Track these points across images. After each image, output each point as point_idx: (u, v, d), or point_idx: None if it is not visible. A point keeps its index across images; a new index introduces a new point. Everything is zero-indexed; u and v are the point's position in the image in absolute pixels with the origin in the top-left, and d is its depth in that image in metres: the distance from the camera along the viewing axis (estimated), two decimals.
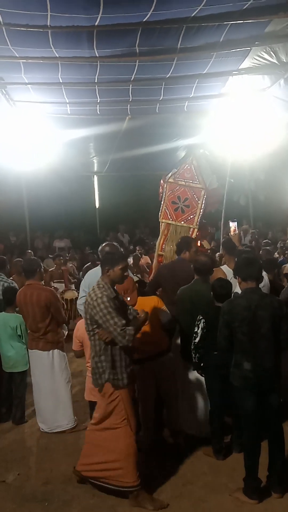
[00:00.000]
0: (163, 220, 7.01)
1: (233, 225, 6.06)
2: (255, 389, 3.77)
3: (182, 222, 6.83)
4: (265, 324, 3.71)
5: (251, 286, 3.85)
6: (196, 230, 6.79)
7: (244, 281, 3.88)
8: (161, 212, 7.01)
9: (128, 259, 7.14)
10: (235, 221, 6.11)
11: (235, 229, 6.04)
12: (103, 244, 5.25)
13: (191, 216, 6.81)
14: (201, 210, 6.73)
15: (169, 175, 6.94)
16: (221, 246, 6.70)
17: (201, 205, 6.71)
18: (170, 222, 6.93)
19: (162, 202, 6.99)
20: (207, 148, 7.29)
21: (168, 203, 6.92)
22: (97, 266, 5.71)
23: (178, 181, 6.85)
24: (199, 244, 6.52)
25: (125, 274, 4.02)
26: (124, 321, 3.72)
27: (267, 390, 3.78)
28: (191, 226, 6.79)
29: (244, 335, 3.75)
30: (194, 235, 6.71)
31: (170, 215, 6.91)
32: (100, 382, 3.84)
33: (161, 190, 7.03)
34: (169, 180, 6.90)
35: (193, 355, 4.49)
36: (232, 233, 6.04)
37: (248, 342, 3.74)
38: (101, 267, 3.95)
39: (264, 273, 5.13)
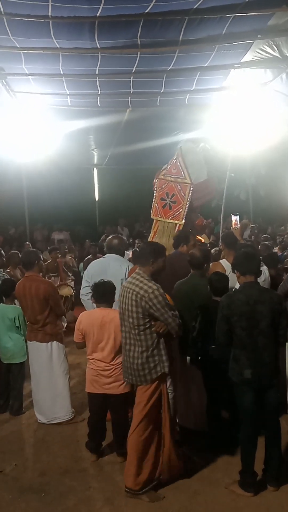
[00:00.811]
0: (154, 217, 7.00)
1: (235, 219, 6.06)
2: (253, 385, 3.77)
3: (170, 219, 6.80)
4: (264, 319, 3.70)
5: (250, 281, 3.84)
6: (181, 225, 6.75)
7: (243, 276, 3.86)
8: (152, 209, 7.00)
9: (127, 252, 7.14)
10: (237, 215, 6.10)
11: (237, 223, 6.03)
12: (110, 237, 5.20)
13: (178, 212, 6.77)
14: (187, 205, 6.68)
15: (160, 171, 6.92)
16: (220, 240, 6.69)
17: (187, 199, 6.66)
18: (159, 219, 6.91)
19: (153, 199, 6.98)
20: (208, 142, 7.26)
21: (158, 200, 6.90)
22: (97, 258, 5.71)
23: (167, 177, 6.82)
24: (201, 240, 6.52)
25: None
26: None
27: (265, 386, 3.78)
28: (177, 222, 6.75)
29: (243, 330, 3.73)
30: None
31: (159, 212, 6.89)
32: (150, 378, 3.68)
33: (154, 187, 7.01)
34: (160, 176, 6.87)
35: (191, 349, 4.49)
36: (233, 226, 6.03)
37: (247, 337, 3.73)
38: (142, 259, 3.83)
39: (265, 268, 5.14)
